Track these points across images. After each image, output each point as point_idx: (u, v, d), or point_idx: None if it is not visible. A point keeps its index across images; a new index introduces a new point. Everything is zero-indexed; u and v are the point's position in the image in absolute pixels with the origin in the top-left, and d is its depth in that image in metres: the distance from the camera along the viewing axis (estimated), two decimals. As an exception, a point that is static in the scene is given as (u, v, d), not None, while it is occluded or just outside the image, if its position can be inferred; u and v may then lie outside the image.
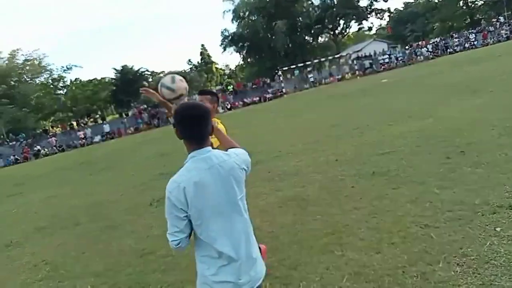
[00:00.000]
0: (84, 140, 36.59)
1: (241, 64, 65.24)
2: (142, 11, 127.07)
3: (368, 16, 57.54)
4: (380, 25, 77.06)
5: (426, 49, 43.24)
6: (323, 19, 55.67)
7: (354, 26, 59.90)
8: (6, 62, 50.30)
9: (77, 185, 11.17)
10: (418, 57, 41.96)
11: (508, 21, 44.40)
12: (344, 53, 51.88)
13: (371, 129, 8.89)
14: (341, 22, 57.76)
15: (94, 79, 54.73)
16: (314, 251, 3.60)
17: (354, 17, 55.76)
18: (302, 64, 44.38)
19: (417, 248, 3.23)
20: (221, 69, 74.53)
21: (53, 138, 37.77)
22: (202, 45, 66.35)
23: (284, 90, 40.75)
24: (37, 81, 52.94)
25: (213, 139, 3.12)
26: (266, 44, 52.98)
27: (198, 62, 65.82)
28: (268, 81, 45.75)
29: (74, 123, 43.25)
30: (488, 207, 3.66)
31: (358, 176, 5.60)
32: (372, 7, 56.69)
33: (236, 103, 40.49)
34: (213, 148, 2.53)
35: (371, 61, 44.36)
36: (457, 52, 40.19)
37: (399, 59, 43.30)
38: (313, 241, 3.81)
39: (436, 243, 3.24)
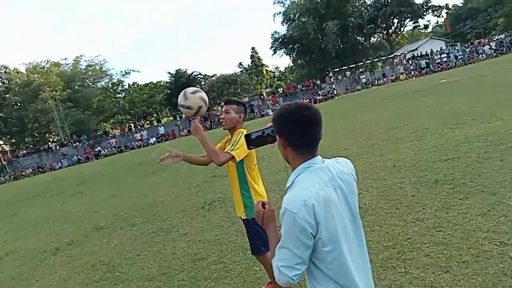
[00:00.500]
0: (140, 142, 38.23)
1: (291, 66, 65.02)
2: (195, 17, 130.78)
3: (424, 13, 54.99)
4: (437, 22, 73.37)
5: (489, 47, 40.45)
6: (376, 19, 54.04)
7: (409, 25, 57.58)
8: (71, 68, 53.94)
9: (134, 185, 11.59)
10: (480, 56, 39.35)
11: None
12: (398, 53, 49.98)
13: (432, 133, 8.36)
14: (395, 21, 55.79)
15: (150, 82, 57.21)
16: (374, 266, 3.37)
17: (409, 15, 53.57)
18: (353, 65, 43.37)
19: (493, 269, 2.90)
20: (271, 71, 74.72)
21: (113, 140, 39.92)
22: (253, 48, 66.94)
23: (335, 92, 39.99)
24: (98, 85, 56.23)
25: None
26: (316, 45, 52.41)
27: (248, 65, 66.47)
28: (319, 82, 45.16)
29: (132, 125, 45.38)
30: None
31: (419, 184, 5.24)
32: (429, 4, 54.12)
33: (286, 106, 40.25)
34: None
35: (427, 61, 42.28)
36: (526, 48, 37.22)
37: (459, 57, 40.86)
38: (372, 254, 3.58)
39: (515, 264, 2.90)
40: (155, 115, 53.70)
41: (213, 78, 53.76)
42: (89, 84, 56.02)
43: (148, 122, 47.14)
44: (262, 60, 67.25)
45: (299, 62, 59.70)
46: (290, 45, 56.50)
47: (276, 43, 56.75)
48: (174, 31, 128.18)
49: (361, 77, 43.30)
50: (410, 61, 44.45)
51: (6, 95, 50.25)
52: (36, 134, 51.68)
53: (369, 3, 55.26)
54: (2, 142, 46.58)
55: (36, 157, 39.53)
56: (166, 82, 56.67)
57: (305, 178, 1.44)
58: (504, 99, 10.34)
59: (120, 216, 7.79)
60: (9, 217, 11.30)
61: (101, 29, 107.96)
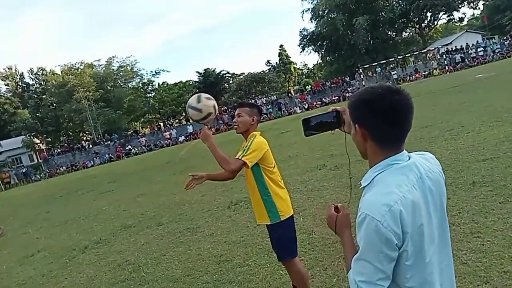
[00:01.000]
0: (169, 140, 38.83)
1: (320, 63, 64.26)
2: (223, 16, 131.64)
3: (460, 6, 52.88)
4: (473, 15, 70.37)
5: (531, 39, 38.50)
6: (408, 12, 52.46)
7: (443, 18, 55.58)
8: (103, 69, 55.48)
9: (162, 184, 11.69)
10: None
11: None
12: (431, 48, 48.36)
13: (468, 131, 7.95)
14: (428, 14, 53.94)
15: (179, 82, 58.00)
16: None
17: (443, 8, 51.60)
18: (384, 61, 42.33)
19: (540, 281, 2.66)
20: (299, 68, 74.09)
21: (143, 138, 40.75)
22: (281, 46, 66.40)
23: (365, 89, 39.17)
24: (129, 86, 57.55)
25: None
26: (345, 41, 51.59)
27: (276, 63, 66.15)
28: (348, 79, 44.39)
29: (161, 124, 46.18)
30: None
31: (455, 186, 4.95)
32: (464, -4, 52.06)
33: (314, 103, 39.88)
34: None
35: (462, 55, 40.69)
36: None
37: (496, 51, 39.07)
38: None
39: None
40: (184, 114, 54.40)
41: (241, 77, 53.91)
42: (121, 84, 57.42)
43: (177, 121, 47.84)
44: (290, 57, 66.72)
45: (327, 59, 58.92)
46: (319, 42, 55.91)
47: (305, 40, 56.26)
48: (203, 31, 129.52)
49: (392, 73, 42.20)
50: (444, 56, 42.95)
51: (43, 96, 52.25)
52: (70, 133, 53.49)
53: (400, -4, 53.79)
54: (38, 141, 48.48)
55: (70, 156, 40.91)
56: (195, 81, 57.32)
57: (389, 178, 1.21)
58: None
59: (147, 215, 7.85)
60: (43, 214, 11.67)
61: (132, 30, 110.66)
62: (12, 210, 15.06)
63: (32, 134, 46.78)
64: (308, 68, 76.65)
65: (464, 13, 73.42)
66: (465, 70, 35.35)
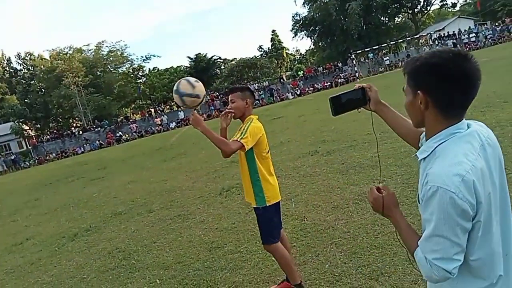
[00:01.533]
0: (160, 127, 38.53)
1: (312, 48, 63.85)
2: (215, 1, 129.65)
3: (453, -9, 52.73)
4: (465, 0, 70.21)
5: (522, 25, 38.60)
6: (401, -3, 52.15)
7: (435, 3, 55.40)
8: (93, 54, 54.48)
9: (153, 171, 11.59)
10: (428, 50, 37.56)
11: None
12: (423, 33, 48.28)
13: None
14: (421, -1, 53.68)
15: (170, 67, 57.36)
16: (400, 259, 3.15)
17: (436, -7, 51.44)
18: (377, 47, 42.19)
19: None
20: (291, 54, 73.64)
21: (134, 125, 40.38)
22: (273, 31, 65.78)
23: (357, 74, 39.08)
24: (120, 71, 56.70)
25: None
26: (338, 26, 51.19)
27: (268, 48, 65.62)
28: (340, 65, 44.23)
29: (152, 110, 45.75)
30: None
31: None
32: (458, -19, 51.82)
33: (306, 89, 39.74)
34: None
35: (454, 41, 40.70)
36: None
37: (488, 37, 39.15)
38: (398, 246, 3.35)
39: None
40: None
41: (233, 62, 53.48)
42: (111, 69, 56.47)
43: (168, 107, 47.41)
44: (282, 43, 66.21)
45: (320, 44, 58.56)
46: (311, 27, 55.43)
47: (297, 25, 55.76)
48: (194, 16, 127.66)
49: (385, 59, 42.16)
50: (436, 42, 42.91)
51: (31, 82, 51.29)
52: (60, 120, 52.78)
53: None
54: (27, 128, 47.80)
55: (60, 142, 40.45)
56: (186, 66, 56.72)
57: (454, 147, 1.15)
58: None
59: (138, 202, 7.77)
60: (32, 202, 11.51)
61: (122, 14, 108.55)
62: (0, 198, 14.85)
63: (21, 120, 46.06)
64: (301, 53, 76.24)
65: (456, -1, 73.18)
66: (457, 56, 35.40)
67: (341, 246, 3.67)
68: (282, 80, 45.81)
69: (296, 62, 72.73)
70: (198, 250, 4.46)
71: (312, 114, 16.44)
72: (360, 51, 42.07)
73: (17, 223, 8.85)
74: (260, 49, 66.06)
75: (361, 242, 3.64)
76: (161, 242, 5.06)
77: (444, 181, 1.09)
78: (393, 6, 53.08)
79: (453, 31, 43.27)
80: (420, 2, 54.18)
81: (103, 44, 54.78)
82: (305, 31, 56.35)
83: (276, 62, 64.20)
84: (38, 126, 50.67)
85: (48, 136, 43.04)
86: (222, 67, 58.12)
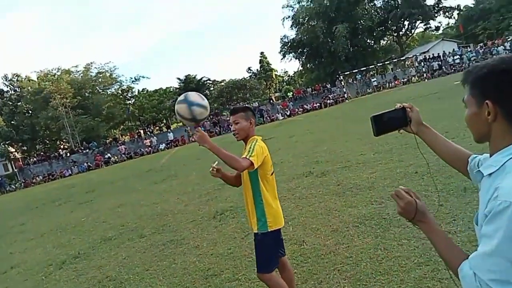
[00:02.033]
0: (150, 148, 38.16)
1: (300, 70, 64.73)
2: (204, 23, 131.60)
3: (436, 15, 54.51)
4: (448, 24, 72.38)
5: (503, 47, 39.68)
6: (386, 21, 53.76)
7: (420, 27, 57.08)
8: (81, 75, 54.29)
9: (144, 193, 11.34)
10: (494, 56, 38.61)
11: None
12: (409, 55, 49.39)
13: (453, 136, 7.96)
14: (406, 23, 55.36)
15: (159, 89, 57.37)
16: (407, 286, 3.03)
17: (420, 17, 53.02)
18: (364, 68, 42.95)
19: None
20: (280, 75, 74.43)
21: (122, 146, 39.92)
22: (262, 53, 66.59)
23: (346, 95, 39.57)
24: (108, 92, 56.47)
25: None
26: (326, 49, 52.15)
27: (257, 70, 66.28)
28: (329, 86, 44.80)
29: (141, 132, 45.41)
30: None
31: (446, 192, 4.87)
32: (440, 6, 53.62)
33: (296, 110, 40.00)
34: None
35: (439, 63, 41.65)
36: (541, 48, 36.44)
37: (472, 59, 40.14)
38: (403, 273, 3.24)
39: None
40: (164, 121, 53.73)
41: (222, 83, 53.76)
42: (99, 91, 56.18)
43: (157, 128, 47.15)
44: (271, 64, 67.00)
45: (308, 66, 59.43)
46: (299, 49, 56.38)
47: (285, 47, 56.63)
48: (183, 38, 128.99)
49: (372, 80, 42.82)
50: (422, 63, 43.84)
51: (18, 103, 50.63)
52: (47, 142, 51.98)
53: (379, 5, 54.97)
54: (13, 150, 46.93)
55: (47, 165, 39.66)
56: (176, 88, 56.76)
57: None
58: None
59: (128, 226, 7.53)
60: (17, 227, 11.13)
61: (110, 36, 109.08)
62: (-16, 223, 14.35)
63: (7, 142, 45.25)
64: (289, 75, 77.13)
65: (440, 22, 75.74)
66: (443, 77, 36.14)
67: (344, 272, 3.54)
68: (271, 101, 46.10)
69: (285, 83, 73.51)
70: (193, 278, 4.28)
71: (303, 135, 16.44)
72: (348, 73, 42.72)
73: (1, 250, 8.51)
74: (249, 71, 66.71)
75: (365, 268, 3.52)
76: (153, 269, 4.86)
77: None
78: (378, 29, 54.55)
79: (438, 53, 44.28)
80: (405, 25, 55.78)
81: (91, 66, 54.71)
82: (293, 53, 57.25)
83: (265, 83, 64.74)
84: (25, 148, 49.77)
85: (34, 159, 42.19)
86: (212, 88, 58.33)
